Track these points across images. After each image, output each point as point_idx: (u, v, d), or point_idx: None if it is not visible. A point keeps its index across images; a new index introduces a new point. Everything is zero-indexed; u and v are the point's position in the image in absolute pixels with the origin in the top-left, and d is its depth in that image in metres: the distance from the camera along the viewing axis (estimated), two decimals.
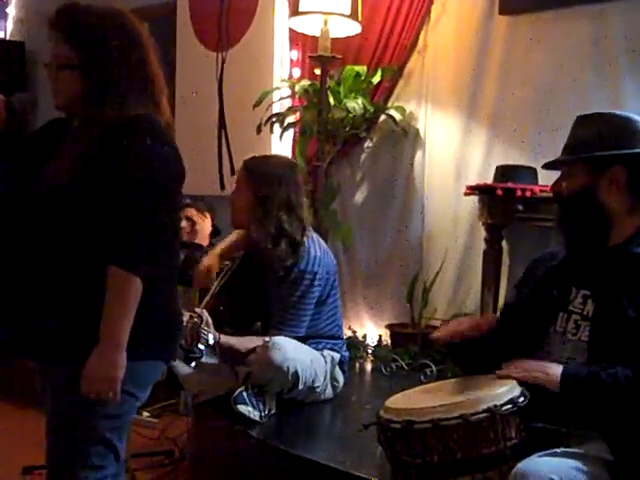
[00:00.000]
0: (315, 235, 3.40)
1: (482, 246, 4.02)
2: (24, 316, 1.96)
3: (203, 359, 3.13)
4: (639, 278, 1.92)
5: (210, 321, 3.07)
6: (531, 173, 3.87)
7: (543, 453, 1.81)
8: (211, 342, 3.04)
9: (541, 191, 3.62)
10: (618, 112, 2.10)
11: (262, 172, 3.25)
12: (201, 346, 2.98)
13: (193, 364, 3.08)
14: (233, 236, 3.49)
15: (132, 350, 1.93)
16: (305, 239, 3.23)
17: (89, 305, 1.90)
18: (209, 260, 3.38)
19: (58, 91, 2.04)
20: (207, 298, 3.29)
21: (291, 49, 5.07)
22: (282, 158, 3.30)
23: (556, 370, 1.94)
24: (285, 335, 3.13)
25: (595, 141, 2.02)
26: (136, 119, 1.96)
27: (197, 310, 3.08)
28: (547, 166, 2.20)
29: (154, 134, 1.96)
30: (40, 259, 1.95)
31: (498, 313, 3.88)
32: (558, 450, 1.84)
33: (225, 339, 3.12)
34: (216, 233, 4.58)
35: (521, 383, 1.97)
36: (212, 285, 3.35)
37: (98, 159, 1.90)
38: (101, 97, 1.97)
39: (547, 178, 3.76)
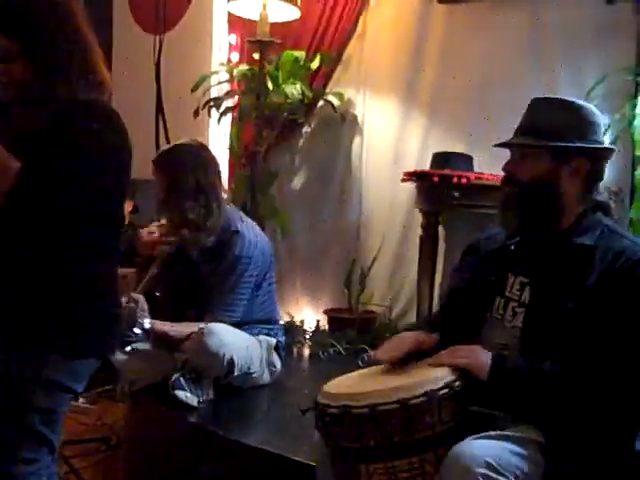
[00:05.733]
0: (249, 220, 3.38)
1: (419, 232, 4.06)
2: None
3: (138, 345, 3.12)
4: (579, 269, 1.94)
5: (146, 306, 3.07)
6: (467, 160, 3.93)
7: (477, 436, 1.84)
8: (146, 326, 3.03)
9: (476, 178, 3.67)
10: (576, 100, 2.10)
11: (169, 165, 3.22)
12: (137, 330, 2.96)
13: (128, 348, 3.06)
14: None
15: (72, 348, 1.91)
16: (218, 220, 3.21)
17: (39, 292, 1.88)
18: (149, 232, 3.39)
19: (5, 84, 1.91)
20: (144, 282, 3.27)
21: (230, 33, 5.05)
22: (186, 145, 3.23)
23: (486, 359, 1.93)
24: (222, 320, 3.12)
25: (561, 129, 2.02)
26: (86, 105, 1.89)
27: (133, 295, 3.06)
28: (502, 145, 2.13)
29: (103, 120, 1.90)
30: None
31: (435, 298, 3.97)
32: (492, 433, 1.87)
33: (160, 326, 3.10)
34: (135, 211, 4.58)
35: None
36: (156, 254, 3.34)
37: (44, 141, 1.83)
38: (52, 78, 1.88)
39: (482, 166, 3.84)
